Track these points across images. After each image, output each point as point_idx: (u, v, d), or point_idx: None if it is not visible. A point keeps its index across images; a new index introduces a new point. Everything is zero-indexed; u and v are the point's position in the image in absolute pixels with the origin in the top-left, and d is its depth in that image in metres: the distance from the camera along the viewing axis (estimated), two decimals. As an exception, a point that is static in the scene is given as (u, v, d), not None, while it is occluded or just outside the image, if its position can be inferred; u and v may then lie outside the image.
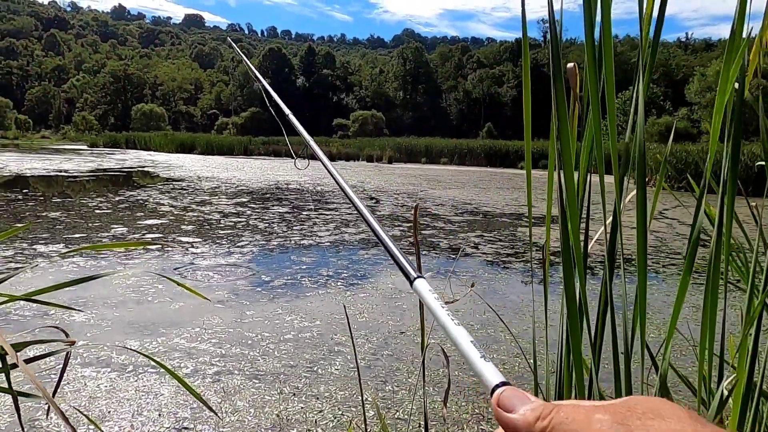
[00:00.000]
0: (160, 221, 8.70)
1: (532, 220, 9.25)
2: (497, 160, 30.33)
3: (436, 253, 6.91)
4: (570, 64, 0.93)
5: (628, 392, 1.00)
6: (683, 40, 76.24)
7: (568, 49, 68.60)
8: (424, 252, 6.94)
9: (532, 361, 3.44)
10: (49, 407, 0.94)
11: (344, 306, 4.59)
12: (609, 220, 1.02)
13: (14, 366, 0.90)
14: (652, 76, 1.01)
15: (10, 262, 5.71)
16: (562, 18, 0.90)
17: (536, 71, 63.10)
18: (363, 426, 2.64)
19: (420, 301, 0.47)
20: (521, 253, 6.97)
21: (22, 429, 0.87)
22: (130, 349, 1.19)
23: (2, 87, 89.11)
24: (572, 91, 0.95)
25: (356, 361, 1.37)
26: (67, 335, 0.92)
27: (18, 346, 0.84)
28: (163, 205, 10.65)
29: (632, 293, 0.98)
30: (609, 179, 1.04)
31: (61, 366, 0.89)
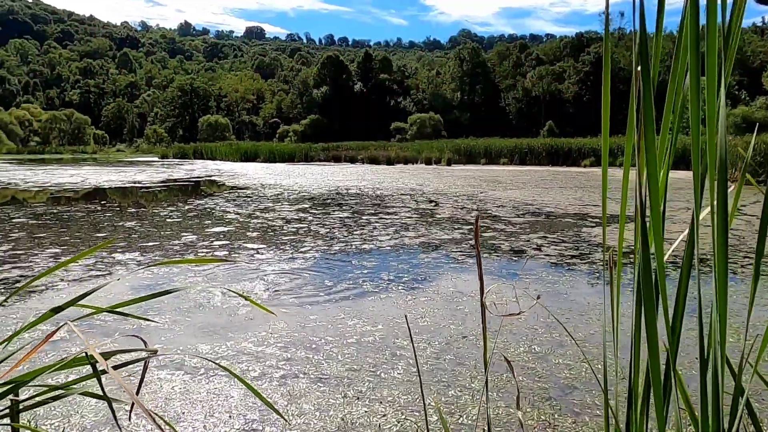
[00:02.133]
0: (226, 228, 9.03)
1: (598, 220, 8.92)
2: (559, 158, 29.59)
3: (497, 256, 6.82)
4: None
5: (714, 399, 0.96)
6: (759, 24, 71.79)
7: (633, 41, 65.99)
8: (485, 255, 6.87)
9: (599, 366, 3.35)
10: (132, 408, 1.00)
11: (405, 315, 4.61)
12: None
13: (104, 372, 0.97)
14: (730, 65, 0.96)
15: (92, 270, 6.08)
16: (643, 5, 0.87)
17: (599, 66, 61.09)
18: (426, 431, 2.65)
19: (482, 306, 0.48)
20: (586, 254, 6.77)
21: (119, 429, 0.93)
22: (204, 357, 1.25)
23: (81, 105, 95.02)
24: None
25: (417, 365, 1.38)
26: (145, 344, 0.98)
27: (105, 355, 0.90)
28: (229, 212, 11.05)
29: (708, 295, 0.94)
30: (675, 175, 1.01)
31: (140, 369, 0.94)
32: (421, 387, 1.15)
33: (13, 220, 9.98)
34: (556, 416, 2.79)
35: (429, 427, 2.68)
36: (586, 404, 2.92)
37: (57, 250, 7.16)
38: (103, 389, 0.81)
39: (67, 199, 14.33)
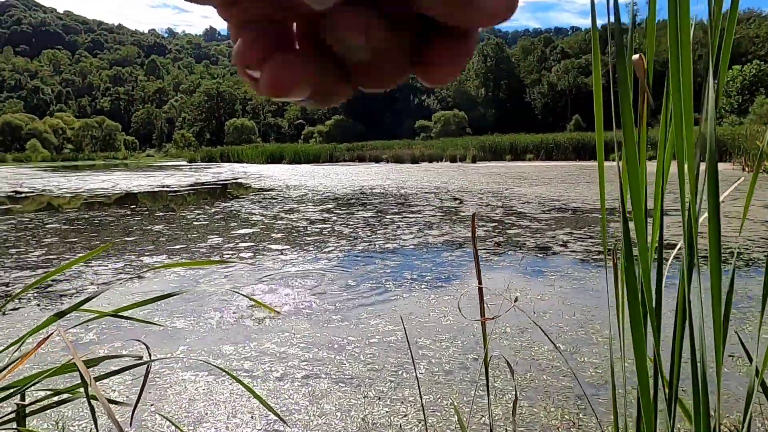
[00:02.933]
0: (251, 230, 9.12)
1: (626, 215, 8.81)
2: (586, 153, 29.13)
3: (523, 253, 6.73)
4: (635, 56, 0.88)
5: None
6: (794, 10, 69.46)
7: (660, 32, 64.57)
8: (509, 252, 6.79)
9: (626, 364, 3.25)
10: (132, 414, 1.01)
11: (428, 308, 4.58)
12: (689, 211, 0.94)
13: (106, 376, 0.98)
14: (758, 51, 0.92)
15: (120, 273, 6.20)
16: None
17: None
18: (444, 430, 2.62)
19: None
20: (615, 251, 6.63)
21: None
22: (213, 364, 1.25)
23: (112, 112, 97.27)
24: (639, 83, 0.90)
25: (413, 371, 1.36)
26: (148, 349, 0.98)
27: (95, 361, 0.91)
28: (254, 214, 11.16)
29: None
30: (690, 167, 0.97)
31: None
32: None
33: (47, 226, 10.25)
34: (580, 416, 2.74)
35: (451, 427, 2.66)
36: (612, 404, 2.85)
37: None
38: (89, 399, 0.81)
39: (99, 204, 14.67)
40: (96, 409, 2.93)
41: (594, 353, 3.53)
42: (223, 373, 3.37)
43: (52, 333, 0.84)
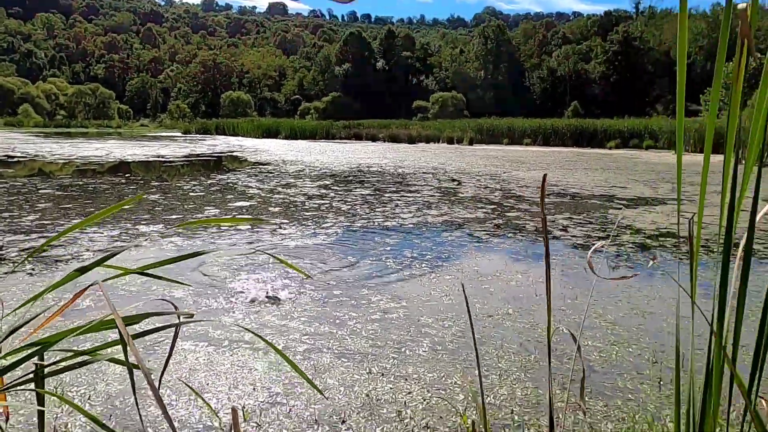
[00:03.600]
0: (248, 203, 9.03)
1: (624, 202, 8.73)
2: (584, 140, 29.03)
3: (522, 236, 6.70)
4: (741, 5, 0.80)
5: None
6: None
7: (663, 20, 64.13)
8: (509, 234, 6.76)
9: (629, 350, 3.24)
10: (161, 377, 0.95)
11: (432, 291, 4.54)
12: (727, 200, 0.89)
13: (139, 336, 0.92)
14: (759, 45, 0.87)
15: (116, 241, 6.12)
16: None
17: (627, 45, 59.58)
18: (455, 410, 2.59)
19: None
20: (614, 237, 6.61)
21: (135, 397, 0.88)
22: (247, 329, 1.19)
23: (106, 80, 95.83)
24: (748, 46, 0.81)
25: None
26: (176, 308, 0.92)
27: (133, 319, 0.85)
28: (251, 187, 11.05)
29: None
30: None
31: (168, 337, 0.90)
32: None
33: (40, 191, 10.11)
34: (586, 399, 2.71)
35: (455, 406, 2.63)
36: (617, 387, 2.83)
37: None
38: (126, 357, 0.75)
39: (93, 172, 14.48)
40: (110, 373, 2.87)
41: (597, 337, 3.51)
42: (224, 344, 3.33)
43: (91, 284, 0.78)
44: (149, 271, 0.91)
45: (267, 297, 4.20)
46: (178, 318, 0.87)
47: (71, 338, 0.78)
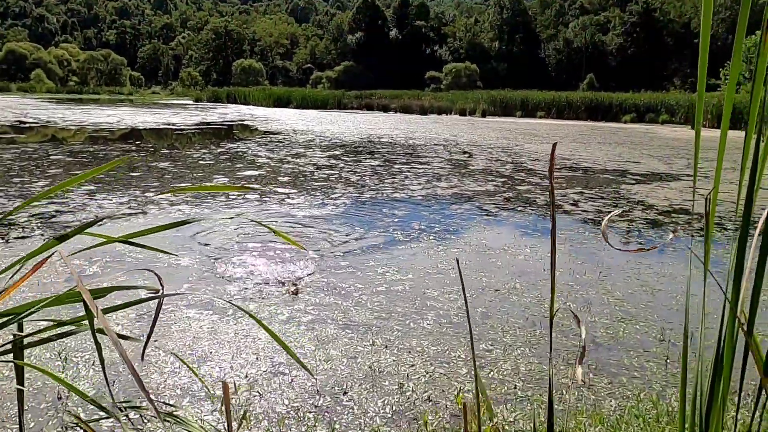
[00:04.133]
0: (258, 172, 8.99)
1: (637, 178, 8.58)
2: (599, 113, 28.56)
3: (532, 210, 6.63)
4: None
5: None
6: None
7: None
8: (519, 208, 6.68)
9: (637, 327, 3.19)
10: (144, 348, 0.92)
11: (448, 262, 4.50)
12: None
13: (119, 308, 0.88)
14: None
15: (125, 206, 6.12)
16: None
17: (646, 16, 58.07)
18: (457, 384, 2.57)
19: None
20: (626, 212, 6.52)
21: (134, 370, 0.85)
22: (230, 301, 1.16)
23: (117, 46, 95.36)
24: None
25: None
26: (160, 279, 0.88)
27: (102, 291, 0.82)
28: (260, 157, 11.00)
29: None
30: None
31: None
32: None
33: (51, 157, 10.13)
34: (591, 375, 2.69)
35: (459, 379, 2.61)
36: (623, 364, 2.80)
37: (92, 188, 7.24)
38: (93, 333, 0.72)
39: (104, 139, 14.49)
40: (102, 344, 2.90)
41: (605, 313, 3.46)
42: (228, 313, 3.33)
43: (51, 255, 0.74)
44: (133, 240, 0.88)
45: (276, 274, 4.19)
46: (158, 292, 0.84)
47: (50, 309, 0.75)
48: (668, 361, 2.85)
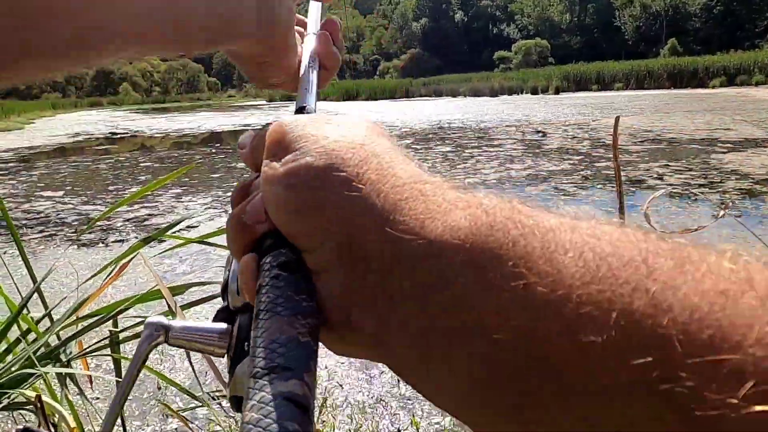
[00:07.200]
0: (330, 166, 9.17)
1: (729, 146, 8.04)
2: (683, 80, 26.91)
3: (612, 186, 6.35)
4: None
5: None
6: None
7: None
8: (598, 186, 6.44)
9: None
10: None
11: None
12: None
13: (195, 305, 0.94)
14: None
15: (209, 209, 6.45)
16: None
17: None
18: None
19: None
20: (717, 183, 6.12)
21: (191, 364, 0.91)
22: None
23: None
24: None
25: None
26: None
27: (180, 288, 0.88)
28: (333, 151, 11.20)
29: None
30: None
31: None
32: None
33: (141, 165, 10.82)
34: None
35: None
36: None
37: (178, 191, 7.67)
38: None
39: (187, 144, 15.29)
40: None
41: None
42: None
43: (133, 257, 0.81)
44: (209, 240, 0.93)
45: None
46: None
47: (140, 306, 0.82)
48: None
